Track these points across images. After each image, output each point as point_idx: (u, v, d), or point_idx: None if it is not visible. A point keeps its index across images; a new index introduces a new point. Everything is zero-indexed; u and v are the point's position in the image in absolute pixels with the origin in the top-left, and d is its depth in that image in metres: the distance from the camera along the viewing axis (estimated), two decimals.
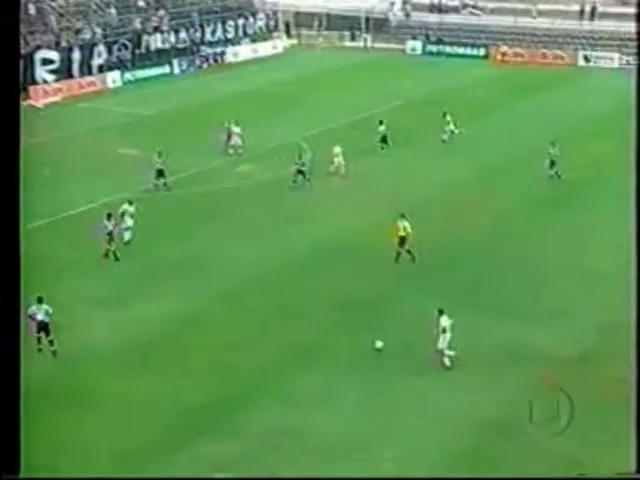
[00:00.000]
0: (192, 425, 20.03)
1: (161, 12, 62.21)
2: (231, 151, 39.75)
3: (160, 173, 35.03)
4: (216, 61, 63.19)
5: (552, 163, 35.80)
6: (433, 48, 66.63)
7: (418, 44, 67.40)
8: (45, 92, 51.90)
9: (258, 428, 19.93)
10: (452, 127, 41.23)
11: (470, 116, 44.53)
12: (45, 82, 52.67)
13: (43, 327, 22.58)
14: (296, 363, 22.59)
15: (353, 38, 71.20)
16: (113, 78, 56.15)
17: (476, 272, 27.70)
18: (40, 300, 22.59)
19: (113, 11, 60.01)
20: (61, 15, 57.01)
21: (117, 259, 28.51)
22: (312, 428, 19.95)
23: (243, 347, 23.36)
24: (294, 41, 71.84)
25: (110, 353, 23.00)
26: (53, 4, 57.22)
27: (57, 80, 53.20)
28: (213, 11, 66.08)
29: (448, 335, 22.05)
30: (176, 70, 60.25)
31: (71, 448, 19.27)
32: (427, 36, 67.98)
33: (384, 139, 39.82)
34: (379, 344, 22.83)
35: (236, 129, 39.88)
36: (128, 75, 57.05)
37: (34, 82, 52.06)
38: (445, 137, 41.33)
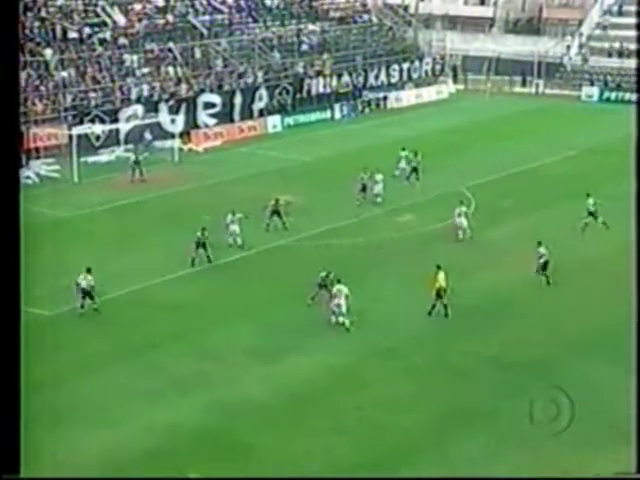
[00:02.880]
0: None
1: (324, 56, 63.83)
2: (363, 199, 40.03)
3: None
4: (378, 106, 64.21)
5: None
6: (611, 94, 65.49)
7: (595, 90, 66.41)
8: (206, 136, 53.98)
9: None
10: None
11: None
12: (206, 126, 54.81)
13: (87, 293, 28.23)
14: (457, 426, 22.46)
15: (524, 83, 70.89)
16: (273, 122, 57.82)
17: None
18: (89, 271, 28.24)
19: (276, 55, 62.03)
20: (225, 59, 59.40)
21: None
22: None
23: (401, 407, 23.34)
24: (460, 86, 72.13)
25: (262, 405, 23.48)
26: (218, 48, 59.74)
27: (218, 124, 55.29)
28: (377, 55, 67.26)
29: None
30: (337, 115, 61.58)
31: None
32: (605, 82, 66.91)
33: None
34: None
35: (378, 176, 40.34)
36: (288, 119, 58.68)
37: (196, 126, 54.34)
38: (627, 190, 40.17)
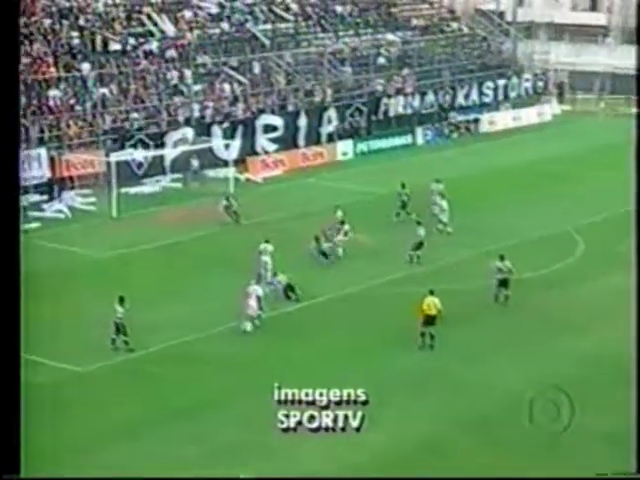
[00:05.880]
0: None
1: (405, 71, 64.19)
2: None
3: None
4: (468, 130, 64.36)
5: None
6: None
7: None
8: (265, 164, 54.50)
9: None
10: None
11: None
12: (266, 152, 55.38)
13: (119, 327, 29.45)
14: None
15: None
16: (344, 149, 58.09)
17: None
18: (122, 300, 29.13)
19: (348, 69, 62.40)
20: (288, 74, 59.96)
21: None
22: None
23: None
24: (567, 107, 71.78)
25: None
26: (281, 61, 60.37)
27: (279, 150, 55.81)
28: (468, 70, 67.48)
29: None
30: (419, 140, 61.72)
31: None
32: None
33: None
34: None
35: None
36: (361, 145, 58.94)
37: (254, 152, 54.89)
38: None
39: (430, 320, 30.57)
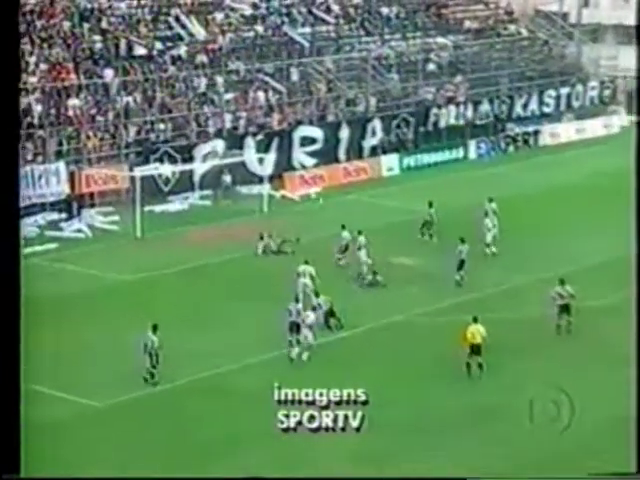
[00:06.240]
0: None
1: (457, 78, 64.65)
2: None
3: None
4: (526, 143, 64.67)
5: None
6: None
7: None
8: (303, 180, 55.11)
9: None
10: None
11: None
12: (303, 167, 56.02)
13: (152, 357, 29.79)
14: None
15: None
16: (389, 164, 58.64)
17: None
18: (155, 329, 29.79)
19: (395, 76, 62.70)
20: (329, 81, 60.39)
21: None
22: None
23: None
24: (636, 118, 71.70)
25: None
26: (321, 68, 60.86)
27: (319, 164, 56.37)
28: (527, 77, 67.81)
29: None
30: (472, 154, 62.22)
31: None
32: None
33: None
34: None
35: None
36: (409, 160, 59.47)
37: (291, 167, 55.52)
38: None
39: (475, 349, 31.32)
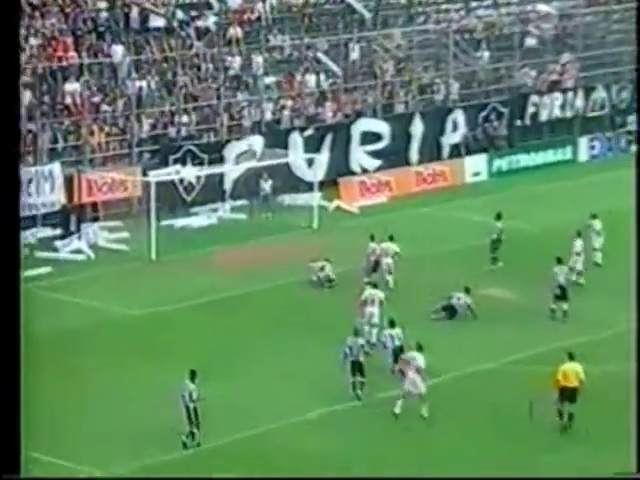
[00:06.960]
0: None
1: (564, 57, 64.31)
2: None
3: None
4: None
5: None
6: None
7: None
8: (364, 187, 54.77)
9: None
10: None
11: None
12: (365, 171, 55.69)
13: (190, 413, 29.98)
14: None
15: None
16: (475, 167, 58.52)
17: None
18: (193, 375, 30.06)
19: (484, 54, 62.59)
20: (399, 61, 60.31)
21: None
22: None
23: None
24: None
25: None
26: (386, 44, 60.74)
27: (384, 168, 55.99)
28: None
29: None
30: (582, 155, 62.15)
31: None
32: None
33: None
34: None
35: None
36: (500, 162, 59.34)
37: (348, 171, 55.25)
38: None
39: (569, 394, 31.07)
